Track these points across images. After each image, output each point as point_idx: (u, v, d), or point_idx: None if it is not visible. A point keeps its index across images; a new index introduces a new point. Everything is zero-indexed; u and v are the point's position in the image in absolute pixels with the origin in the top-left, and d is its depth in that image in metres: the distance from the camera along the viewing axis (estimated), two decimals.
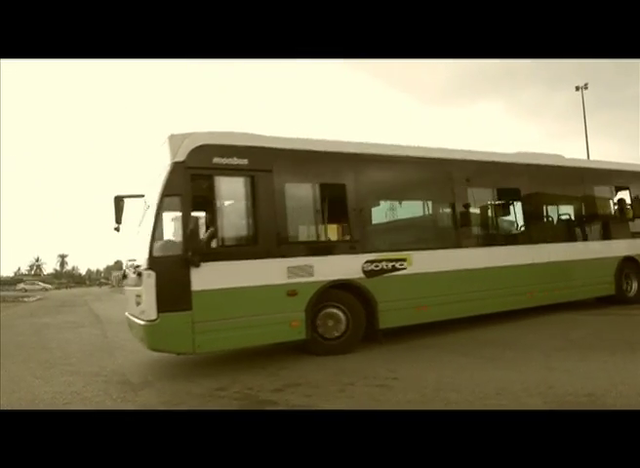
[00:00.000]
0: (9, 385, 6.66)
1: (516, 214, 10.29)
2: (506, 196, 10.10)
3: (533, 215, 10.16)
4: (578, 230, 10.98)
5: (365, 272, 7.61)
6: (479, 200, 9.69)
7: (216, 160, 6.73)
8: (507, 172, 9.85)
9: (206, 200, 6.81)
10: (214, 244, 6.75)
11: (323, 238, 7.68)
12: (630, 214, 11.72)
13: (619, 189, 11.75)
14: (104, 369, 7.60)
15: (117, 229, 7.43)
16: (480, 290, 8.74)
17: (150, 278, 6.27)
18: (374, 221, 8.42)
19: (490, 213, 9.89)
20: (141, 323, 6.52)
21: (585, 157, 23.89)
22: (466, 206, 9.13)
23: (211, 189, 6.68)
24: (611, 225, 11.36)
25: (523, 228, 10.10)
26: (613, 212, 11.66)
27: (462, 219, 9.03)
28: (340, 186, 7.80)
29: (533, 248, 9.70)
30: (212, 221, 6.80)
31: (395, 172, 8.57)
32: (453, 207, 9.03)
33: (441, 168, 9.00)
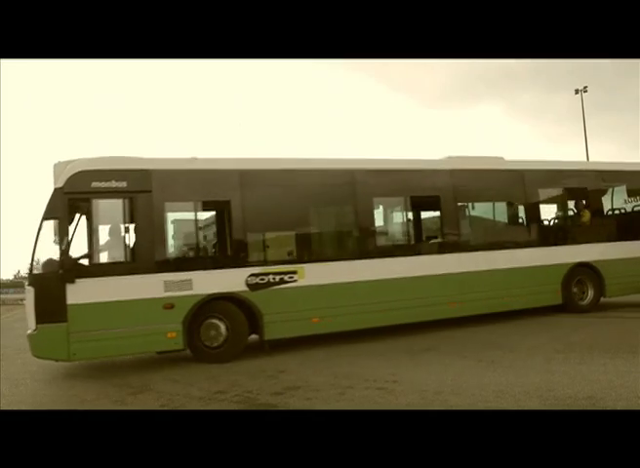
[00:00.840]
0: (9, 388, 6.65)
1: (432, 222, 10.05)
2: (422, 204, 9.95)
3: (454, 223, 9.61)
4: (516, 237, 10.32)
5: (249, 285, 7.76)
6: (386, 210, 9.61)
7: (94, 184, 7.20)
8: (423, 179, 9.47)
9: (86, 221, 7.42)
10: (90, 261, 7.33)
11: (203, 253, 8.14)
12: (586, 218, 10.81)
13: (574, 191, 10.89)
14: (104, 372, 7.59)
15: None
16: (385, 301, 8.48)
17: (30, 293, 6.94)
18: (261, 235, 8.34)
19: (398, 222, 9.64)
20: (27, 332, 7.05)
21: (585, 160, 23.45)
22: (369, 216, 8.94)
23: (89, 211, 7.29)
24: (560, 230, 10.75)
25: (440, 237, 9.62)
26: (563, 215, 11.03)
27: (364, 230, 8.84)
28: (224, 202, 8.02)
29: (453, 257, 9.25)
30: (90, 241, 7.37)
31: (285, 185, 8.43)
32: (354, 218, 8.88)
33: (335, 179, 8.78)
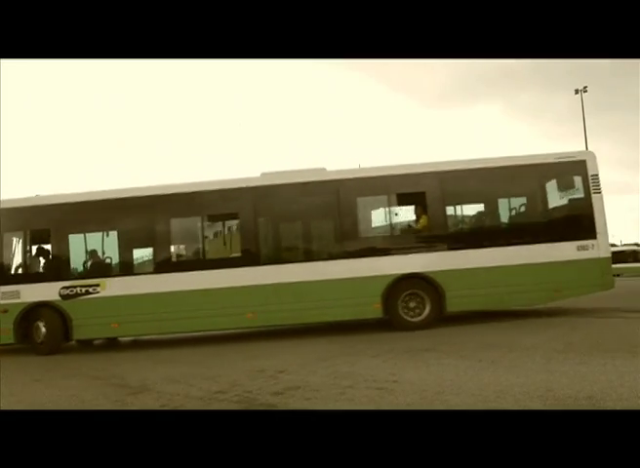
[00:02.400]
0: (8, 388, 6.65)
1: (231, 238, 10.59)
2: (220, 222, 10.85)
3: (252, 238, 10.14)
4: (323, 249, 10.32)
5: (61, 296, 9.83)
6: (182, 229, 10.65)
7: None
8: (222, 199, 10.20)
9: None
10: None
11: (30, 270, 10.35)
12: (422, 225, 10.11)
13: (406, 197, 10.36)
14: (103, 372, 7.59)
15: None
16: (179, 310, 9.66)
17: None
18: (71, 255, 10.23)
19: (194, 240, 10.54)
20: None
21: None
22: (165, 236, 10.23)
23: None
24: (382, 240, 10.18)
25: (236, 252, 10.27)
26: (387, 224, 10.28)
27: (159, 249, 10.21)
28: (44, 231, 10.32)
29: (249, 270, 9.80)
30: None
31: (92, 215, 10.19)
32: (150, 239, 10.22)
33: (132, 206, 10.15)
